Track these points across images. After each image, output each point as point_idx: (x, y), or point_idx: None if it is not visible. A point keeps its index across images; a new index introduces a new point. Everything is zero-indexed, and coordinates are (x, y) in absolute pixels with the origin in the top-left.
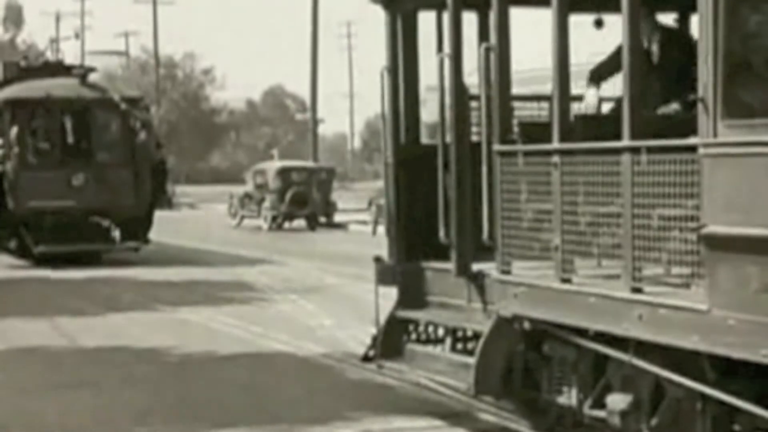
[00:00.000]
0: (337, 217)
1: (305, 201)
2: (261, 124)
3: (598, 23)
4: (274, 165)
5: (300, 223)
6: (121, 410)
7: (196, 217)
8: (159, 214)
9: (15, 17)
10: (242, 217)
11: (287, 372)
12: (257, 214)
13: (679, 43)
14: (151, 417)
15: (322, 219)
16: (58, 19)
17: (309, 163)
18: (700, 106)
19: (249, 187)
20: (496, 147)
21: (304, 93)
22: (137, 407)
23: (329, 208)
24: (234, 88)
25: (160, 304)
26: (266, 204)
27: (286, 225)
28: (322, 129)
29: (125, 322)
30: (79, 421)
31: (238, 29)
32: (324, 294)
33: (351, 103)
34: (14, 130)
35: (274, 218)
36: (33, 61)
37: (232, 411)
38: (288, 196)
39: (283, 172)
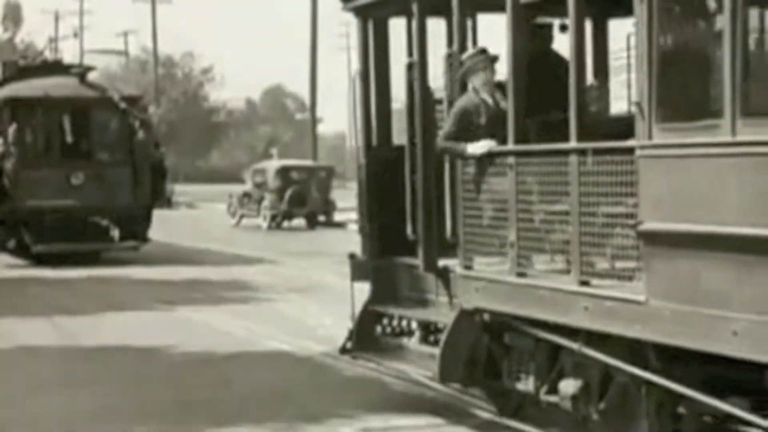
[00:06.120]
0: (337, 216)
1: (304, 200)
2: (260, 123)
3: (563, 27)
4: (273, 164)
5: (299, 222)
6: (121, 409)
7: (194, 216)
8: (158, 213)
9: (14, 16)
10: (241, 216)
11: (287, 371)
12: (256, 213)
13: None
14: (151, 416)
15: (322, 218)
16: (57, 18)
17: (308, 162)
18: (636, 109)
19: (248, 186)
20: None
21: (304, 92)
22: (137, 406)
23: (328, 207)
24: (233, 88)
25: (160, 303)
26: (265, 203)
27: (285, 224)
28: (321, 128)
29: (125, 321)
30: (79, 421)
31: (237, 28)
32: (324, 293)
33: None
34: (13, 129)
35: (273, 217)
36: (32, 60)
37: (232, 409)
38: (287, 195)
39: (283, 171)
